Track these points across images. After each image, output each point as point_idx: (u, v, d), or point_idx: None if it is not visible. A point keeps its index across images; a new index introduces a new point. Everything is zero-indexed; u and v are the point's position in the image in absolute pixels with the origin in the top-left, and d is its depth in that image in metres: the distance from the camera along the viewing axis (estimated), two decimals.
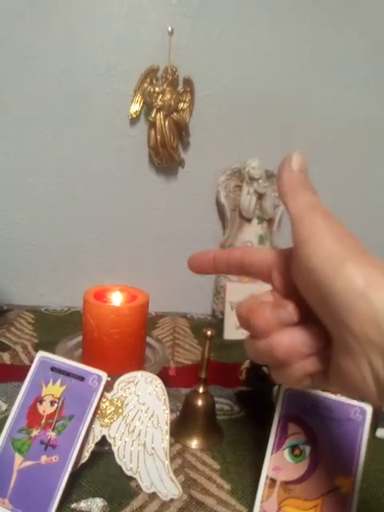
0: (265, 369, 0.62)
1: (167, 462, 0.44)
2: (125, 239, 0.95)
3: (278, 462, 0.41)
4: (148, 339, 0.57)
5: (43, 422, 0.44)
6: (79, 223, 0.94)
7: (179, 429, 0.53)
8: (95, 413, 0.44)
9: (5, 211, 0.91)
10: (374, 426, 0.55)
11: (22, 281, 0.96)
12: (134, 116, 0.87)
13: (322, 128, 0.95)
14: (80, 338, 0.56)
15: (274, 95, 0.92)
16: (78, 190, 0.92)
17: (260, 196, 0.87)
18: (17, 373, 0.63)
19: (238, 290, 0.87)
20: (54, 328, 0.81)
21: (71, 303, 0.94)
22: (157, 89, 0.84)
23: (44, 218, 0.92)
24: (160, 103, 0.84)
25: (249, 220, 0.89)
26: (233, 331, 0.86)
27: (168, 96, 0.84)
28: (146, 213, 0.95)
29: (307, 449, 0.41)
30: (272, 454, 0.42)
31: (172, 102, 0.84)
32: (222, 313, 0.88)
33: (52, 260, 0.95)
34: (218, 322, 0.90)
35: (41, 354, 0.48)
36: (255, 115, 0.93)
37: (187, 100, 0.87)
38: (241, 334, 0.86)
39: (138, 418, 0.45)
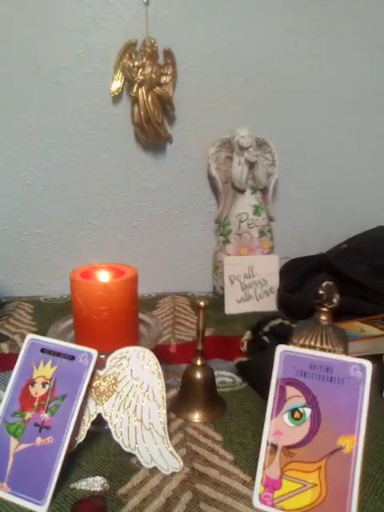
0: (265, 338, 0.61)
1: (166, 436, 0.43)
2: (119, 222, 0.94)
3: (279, 427, 0.40)
4: (142, 316, 0.56)
5: (36, 404, 0.43)
6: (71, 209, 0.92)
7: (180, 403, 0.52)
8: (88, 391, 0.43)
9: None
10: (381, 388, 0.53)
11: (19, 272, 0.95)
12: (116, 93, 0.84)
13: (308, 93, 0.92)
14: (72, 321, 0.54)
15: (259, 61, 0.89)
16: (67, 176, 0.90)
17: (251, 165, 0.85)
18: (15, 362, 0.63)
19: (236, 263, 0.85)
20: (53, 316, 0.80)
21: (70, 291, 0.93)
22: (136, 63, 0.81)
23: (36, 207, 0.91)
24: (141, 77, 0.81)
25: (242, 191, 0.86)
26: (234, 305, 0.84)
27: (148, 69, 0.81)
28: (137, 193, 0.93)
29: (307, 411, 0.40)
30: (271, 419, 0.40)
31: (153, 76, 0.81)
32: (222, 288, 0.86)
33: (48, 249, 0.94)
34: (219, 298, 0.88)
35: (30, 336, 0.47)
36: (241, 83, 0.90)
37: (169, 73, 0.84)
38: (242, 308, 0.84)
39: (132, 393, 0.44)
